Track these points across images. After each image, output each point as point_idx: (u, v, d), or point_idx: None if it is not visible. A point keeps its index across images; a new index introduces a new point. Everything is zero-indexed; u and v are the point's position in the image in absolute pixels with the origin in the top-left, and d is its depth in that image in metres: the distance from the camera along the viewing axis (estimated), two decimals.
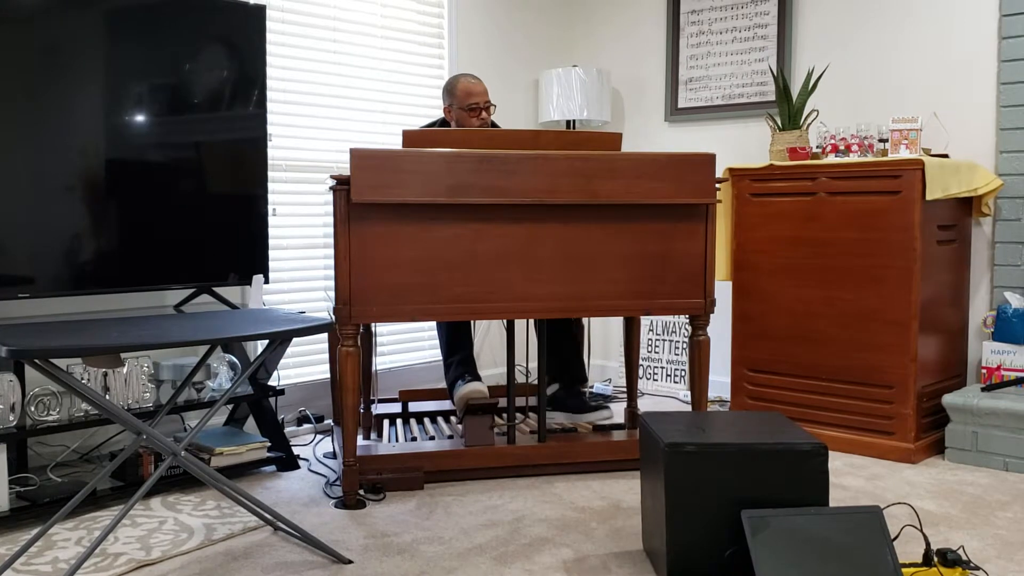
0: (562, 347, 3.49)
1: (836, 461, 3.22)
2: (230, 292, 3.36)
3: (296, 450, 3.25)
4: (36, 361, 1.92)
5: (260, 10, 3.16)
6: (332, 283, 2.71)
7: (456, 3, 4.28)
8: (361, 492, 2.81)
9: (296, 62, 3.65)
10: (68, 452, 2.97)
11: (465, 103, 3.47)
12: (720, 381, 4.11)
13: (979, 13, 3.53)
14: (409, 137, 2.81)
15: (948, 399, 3.21)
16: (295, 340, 3.55)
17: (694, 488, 2.07)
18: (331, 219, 2.67)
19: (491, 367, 4.41)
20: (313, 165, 3.73)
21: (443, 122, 3.63)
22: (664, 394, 4.39)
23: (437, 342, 3.66)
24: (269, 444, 3.07)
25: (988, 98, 3.52)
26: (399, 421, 3.47)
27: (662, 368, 4.44)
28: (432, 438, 3.17)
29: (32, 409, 2.61)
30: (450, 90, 3.53)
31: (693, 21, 4.37)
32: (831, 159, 3.42)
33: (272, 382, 3.20)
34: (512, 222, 2.79)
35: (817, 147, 3.54)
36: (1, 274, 2.59)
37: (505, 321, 3.47)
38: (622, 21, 4.65)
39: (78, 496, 2.20)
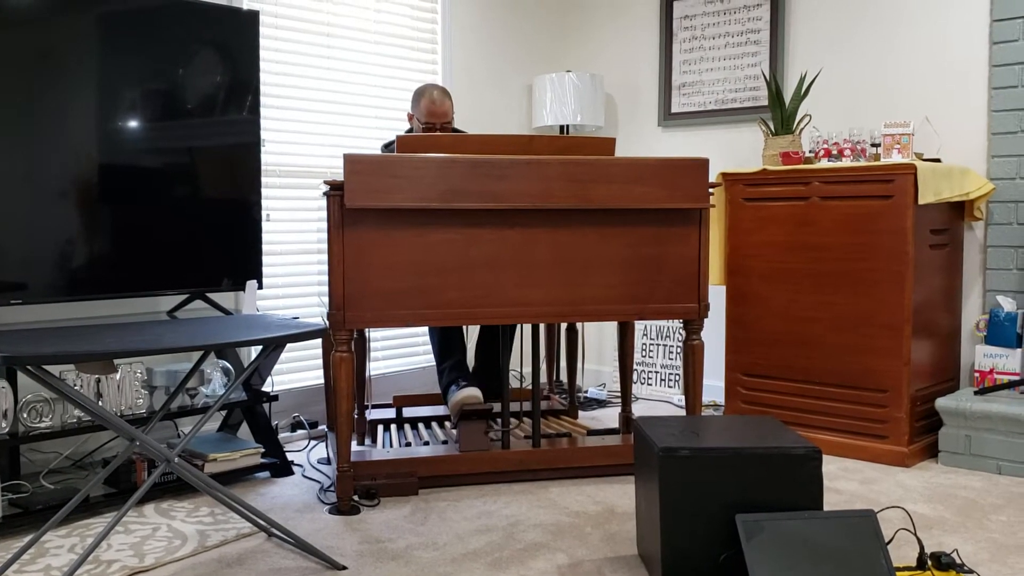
0: (495, 354, 3.49)
1: (830, 465, 3.22)
2: (224, 298, 3.35)
3: (290, 456, 3.24)
4: (29, 368, 1.92)
5: (253, 16, 3.16)
6: (326, 288, 2.70)
7: (449, 8, 4.28)
8: (355, 498, 2.80)
9: (290, 68, 3.65)
10: (61, 459, 2.96)
11: (423, 119, 3.48)
12: (714, 385, 4.11)
13: (971, 18, 3.54)
14: (403, 142, 2.81)
15: (941, 403, 3.22)
16: (289, 346, 3.54)
17: (688, 493, 2.07)
18: (325, 224, 2.67)
19: None
20: (307, 170, 3.72)
21: (408, 131, 3.64)
22: (658, 399, 4.39)
23: (430, 347, 3.66)
24: (263, 450, 3.06)
25: (980, 102, 3.53)
26: (393, 426, 3.47)
27: (656, 373, 4.44)
28: (426, 443, 3.17)
29: (24, 416, 2.60)
30: (416, 99, 3.53)
31: (686, 26, 4.38)
32: (824, 164, 3.43)
33: (266, 388, 3.20)
34: (506, 227, 2.79)
35: (810, 152, 3.55)
36: None
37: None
38: (615, 26, 4.66)
39: (71, 503, 2.19)
